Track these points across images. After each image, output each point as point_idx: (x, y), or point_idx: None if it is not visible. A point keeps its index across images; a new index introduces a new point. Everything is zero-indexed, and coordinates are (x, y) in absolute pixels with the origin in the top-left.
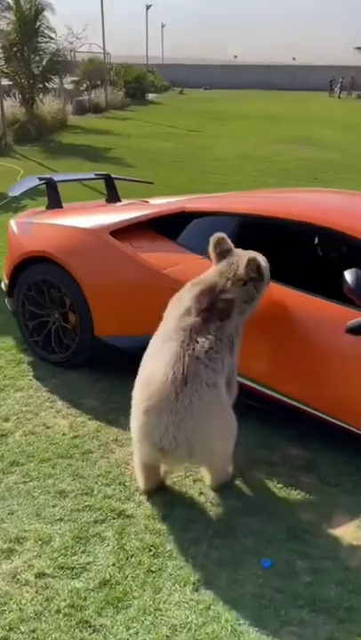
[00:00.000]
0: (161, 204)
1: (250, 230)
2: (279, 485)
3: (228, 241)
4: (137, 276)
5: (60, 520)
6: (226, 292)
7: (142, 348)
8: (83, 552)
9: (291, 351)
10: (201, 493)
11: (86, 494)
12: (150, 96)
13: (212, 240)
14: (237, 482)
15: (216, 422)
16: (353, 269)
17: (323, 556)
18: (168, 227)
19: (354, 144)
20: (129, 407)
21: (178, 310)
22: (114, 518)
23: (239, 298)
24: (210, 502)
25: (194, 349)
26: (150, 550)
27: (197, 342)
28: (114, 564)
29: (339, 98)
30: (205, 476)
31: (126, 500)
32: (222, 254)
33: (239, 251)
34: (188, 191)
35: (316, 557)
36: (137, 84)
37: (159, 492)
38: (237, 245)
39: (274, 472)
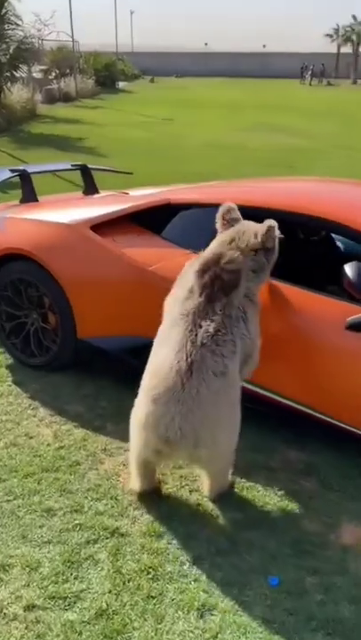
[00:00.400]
0: (143, 195)
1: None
2: (280, 492)
3: (237, 211)
4: (121, 274)
5: (49, 542)
6: (232, 263)
7: (128, 349)
8: (75, 578)
9: (287, 350)
10: (199, 505)
11: (76, 511)
12: (121, 84)
13: (222, 209)
14: (236, 489)
15: (224, 412)
16: (353, 263)
17: (332, 571)
18: (152, 220)
19: (327, 131)
20: (116, 413)
21: (182, 291)
22: (107, 537)
23: (247, 268)
24: (209, 515)
25: (197, 335)
26: (149, 573)
27: (201, 327)
28: (110, 591)
29: (310, 85)
30: (204, 483)
31: (120, 517)
32: (230, 224)
33: (247, 222)
34: (164, 181)
35: (326, 572)
36: (107, 73)
37: (155, 506)
38: None
39: (274, 477)
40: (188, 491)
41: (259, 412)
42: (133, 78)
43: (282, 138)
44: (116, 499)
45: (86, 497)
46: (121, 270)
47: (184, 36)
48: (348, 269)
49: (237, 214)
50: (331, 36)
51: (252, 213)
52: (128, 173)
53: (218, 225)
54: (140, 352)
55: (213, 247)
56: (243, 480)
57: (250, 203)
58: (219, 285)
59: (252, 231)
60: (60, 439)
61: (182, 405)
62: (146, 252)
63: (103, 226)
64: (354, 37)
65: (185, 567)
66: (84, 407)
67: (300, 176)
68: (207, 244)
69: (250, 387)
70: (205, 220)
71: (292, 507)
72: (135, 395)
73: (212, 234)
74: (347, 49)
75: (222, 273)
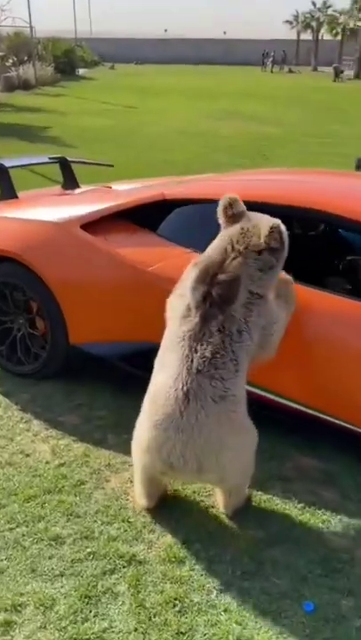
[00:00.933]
0: (133, 190)
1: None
2: (300, 505)
3: (241, 203)
4: (116, 275)
5: (61, 575)
6: (226, 273)
7: (124, 356)
8: (95, 616)
9: (299, 352)
10: (217, 524)
11: (86, 538)
12: (81, 71)
13: (223, 202)
14: (254, 502)
15: (227, 435)
16: None
17: None
18: (147, 217)
19: (295, 119)
20: (116, 423)
21: (179, 307)
22: (124, 566)
23: (249, 271)
24: (229, 535)
25: (192, 361)
26: (175, 605)
27: (197, 352)
28: (136, 629)
29: (271, 72)
30: (218, 499)
31: (134, 541)
32: (234, 219)
33: (253, 214)
34: (136, 171)
35: (360, 593)
36: (66, 59)
37: (171, 528)
38: None
39: (290, 489)
40: (204, 508)
41: (265, 417)
42: (93, 65)
43: (251, 125)
44: (129, 521)
45: (95, 520)
46: (116, 271)
47: (143, 23)
48: None
49: (241, 207)
50: (290, 22)
51: (257, 209)
52: (109, 166)
53: (220, 220)
54: (137, 358)
55: (209, 253)
56: (259, 493)
57: (254, 197)
58: (213, 302)
59: (256, 231)
60: (59, 456)
61: (182, 433)
62: (143, 251)
63: (93, 224)
64: (314, 24)
65: (212, 596)
66: (79, 418)
67: (274, 165)
68: (209, 242)
69: (259, 392)
70: (206, 217)
71: (314, 520)
72: (134, 403)
73: (215, 231)
74: (307, 35)
75: (216, 287)
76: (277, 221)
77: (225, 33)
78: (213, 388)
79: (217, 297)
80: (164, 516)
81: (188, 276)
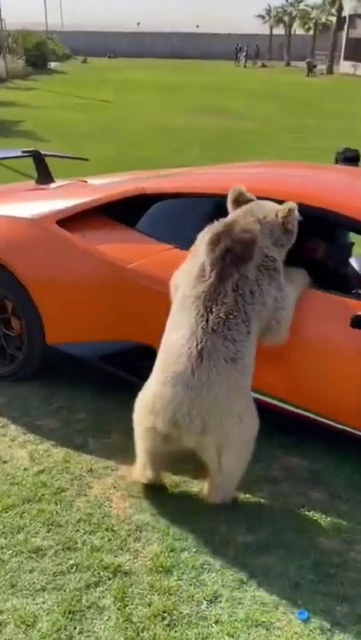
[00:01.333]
0: (110, 184)
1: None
2: (289, 507)
3: (249, 193)
4: (95, 273)
5: (43, 590)
6: (246, 232)
7: (104, 356)
8: (80, 633)
9: (287, 350)
10: (204, 530)
11: (68, 549)
12: (53, 65)
13: (233, 193)
14: (242, 506)
15: (234, 400)
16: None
17: (360, 595)
18: (125, 212)
19: (269, 113)
20: (96, 426)
21: (193, 268)
22: (109, 578)
23: (264, 238)
24: (218, 541)
25: (208, 321)
26: (163, 618)
27: (212, 312)
28: None
29: (245, 67)
30: (207, 486)
31: (119, 551)
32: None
33: (264, 201)
34: (112, 166)
35: (355, 598)
36: (38, 52)
37: (157, 535)
38: None
39: (279, 491)
40: (192, 514)
41: None
42: (65, 58)
43: (227, 120)
44: (113, 530)
45: (78, 530)
46: (94, 269)
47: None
48: (358, 264)
49: (250, 196)
50: (263, 17)
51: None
52: (84, 159)
53: (230, 210)
54: (117, 358)
55: (230, 215)
56: (247, 495)
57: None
58: (231, 259)
59: (272, 208)
60: (38, 462)
61: (191, 390)
62: (122, 247)
63: (70, 220)
64: (286, 19)
65: (202, 607)
66: (59, 422)
67: (249, 159)
68: (192, 238)
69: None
70: (187, 211)
71: (304, 523)
72: (115, 405)
73: (196, 226)
74: (279, 30)
75: (235, 244)
76: (295, 205)
77: (198, 27)
78: (226, 349)
79: (233, 254)
80: (149, 523)
81: (203, 238)
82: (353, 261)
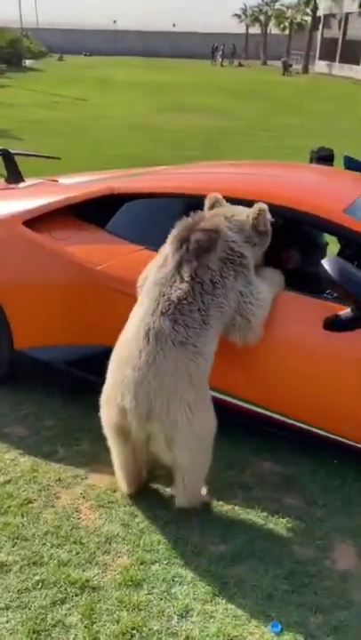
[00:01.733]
0: (79, 184)
1: None
2: (262, 514)
3: (225, 202)
4: (63, 275)
5: (7, 608)
6: (209, 222)
7: (74, 360)
8: None
9: (258, 352)
10: (177, 540)
11: (34, 564)
12: (28, 62)
13: (209, 200)
14: (214, 514)
15: (183, 387)
16: (332, 258)
17: (336, 606)
18: (94, 212)
19: (244, 111)
20: (66, 434)
21: (159, 259)
22: (76, 595)
23: (232, 229)
24: (190, 552)
25: (158, 304)
26: (132, 636)
27: (164, 296)
28: None
29: (221, 66)
30: (176, 483)
31: (87, 565)
32: None
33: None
34: (87, 165)
35: (329, 609)
36: (12, 49)
37: (127, 547)
38: None
39: (252, 497)
40: (163, 523)
41: (222, 421)
42: (41, 56)
43: (203, 119)
44: (81, 542)
45: (45, 544)
46: (62, 271)
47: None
48: (328, 266)
49: (226, 204)
50: (239, 16)
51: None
52: (55, 158)
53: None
54: (88, 363)
55: (194, 213)
56: (220, 503)
57: (207, 191)
58: (192, 247)
59: (243, 210)
60: (4, 472)
61: (137, 372)
62: (91, 248)
63: (38, 220)
64: (262, 18)
65: (173, 622)
66: (27, 429)
67: (226, 158)
68: (163, 239)
69: (219, 396)
70: (158, 212)
71: (279, 530)
72: (86, 411)
73: (167, 226)
74: (255, 29)
75: (196, 234)
76: (264, 205)
77: (174, 25)
78: (175, 333)
79: (194, 242)
80: (119, 534)
81: (171, 234)
82: (325, 263)
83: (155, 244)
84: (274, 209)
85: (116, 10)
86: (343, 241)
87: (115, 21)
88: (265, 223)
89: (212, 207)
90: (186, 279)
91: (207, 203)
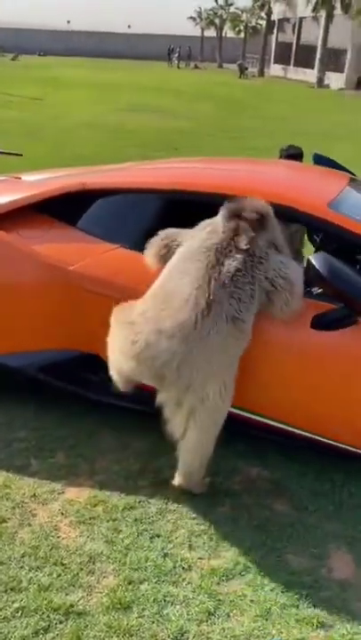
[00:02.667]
0: (45, 179)
1: (178, 209)
2: (253, 523)
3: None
4: (33, 276)
5: None
6: (259, 210)
7: (46, 367)
8: None
9: (248, 354)
10: (165, 556)
11: (12, 590)
12: None
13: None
14: (203, 526)
15: (225, 364)
16: (319, 254)
17: (336, 619)
18: (65, 209)
19: (205, 113)
20: (40, 446)
21: (200, 234)
22: (61, 622)
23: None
24: (180, 567)
25: (220, 273)
26: None
27: (223, 265)
28: None
29: (178, 68)
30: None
31: (71, 588)
32: None
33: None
34: (47, 165)
35: (330, 622)
36: None
37: (112, 564)
38: (162, 228)
39: (241, 505)
40: (149, 537)
41: None
42: None
43: (161, 119)
44: (62, 563)
45: (22, 567)
46: (33, 271)
47: (46, 14)
48: (316, 262)
49: None
50: (194, 19)
51: (186, 198)
52: (17, 155)
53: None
54: (61, 369)
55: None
56: (208, 512)
57: (182, 186)
58: (246, 221)
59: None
60: None
61: (187, 344)
62: (63, 247)
63: (4, 219)
64: (217, 21)
65: None
66: None
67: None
68: (138, 236)
69: None
70: (134, 208)
71: (271, 540)
72: (60, 421)
73: (143, 222)
74: (211, 32)
75: (251, 210)
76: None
77: (129, 27)
78: (230, 307)
79: (250, 216)
80: (103, 552)
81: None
82: (313, 259)
83: (131, 241)
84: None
85: (70, 10)
86: (323, 236)
87: (68, 22)
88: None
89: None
90: (243, 248)
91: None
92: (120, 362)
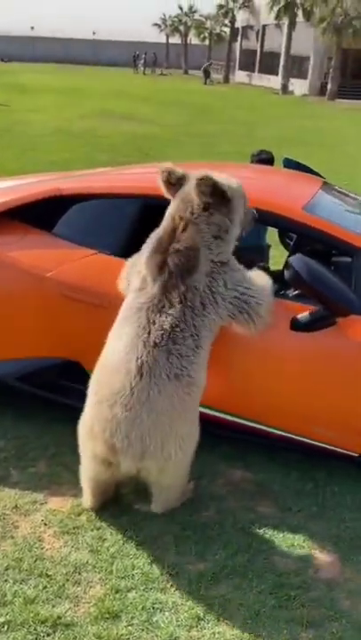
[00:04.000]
0: (18, 185)
1: (154, 213)
2: (238, 526)
3: (179, 170)
4: (10, 284)
5: None
6: (182, 240)
7: (23, 375)
8: None
9: (223, 356)
10: (152, 562)
11: None
12: None
13: (162, 175)
14: (189, 530)
15: (178, 422)
16: (298, 256)
17: (325, 617)
18: (39, 215)
19: (170, 119)
20: (19, 455)
21: (135, 280)
22: (48, 635)
23: (205, 238)
24: (168, 574)
25: (150, 333)
26: None
27: (155, 324)
28: None
29: (144, 74)
30: (154, 495)
31: (57, 600)
32: (178, 187)
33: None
34: (15, 171)
35: (320, 622)
36: None
37: (99, 573)
38: (141, 234)
39: (226, 508)
40: (135, 545)
41: None
42: None
43: (131, 125)
44: (47, 575)
45: (6, 580)
46: (9, 278)
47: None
48: (296, 263)
49: (179, 172)
50: (159, 25)
51: (162, 203)
52: None
53: (166, 194)
54: (39, 377)
55: (165, 222)
56: (192, 517)
57: (158, 190)
58: (174, 272)
59: (192, 192)
60: None
61: (129, 411)
62: (39, 254)
63: None
64: (181, 28)
65: None
66: None
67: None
68: (116, 241)
69: None
70: (109, 213)
71: (257, 542)
72: (40, 431)
73: (121, 227)
74: (176, 39)
75: (174, 257)
76: (203, 173)
77: (94, 33)
78: (170, 365)
79: (175, 267)
80: (89, 561)
81: (144, 250)
82: (292, 261)
83: (108, 246)
84: None
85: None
86: (298, 239)
87: (32, 28)
88: (207, 192)
89: (167, 180)
90: (176, 304)
91: (161, 178)
92: (83, 447)
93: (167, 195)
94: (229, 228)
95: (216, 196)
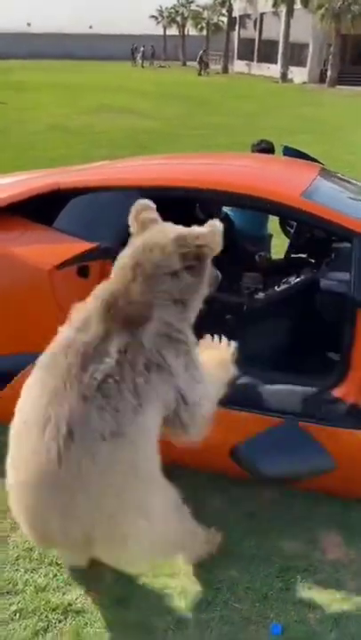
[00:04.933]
0: (16, 181)
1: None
2: (245, 513)
3: (154, 211)
4: (13, 279)
5: None
6: (139, 295)
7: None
8: None
9: None
10: None
11: (9, 593)
12: None
13: (135, 208)
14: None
15: (130, 492)
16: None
17: (333, 598)
18: (39, 210)
19: (168, 112)
20: None
21: (76, 319)
22: (60, 621)
23: (162, 297)
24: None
25: (81, 382)
26: None
27: (87, 371)
28: None
29: (142, 67)
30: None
31: (68, 587)
32: (146, 227)
33: (161, 227)
34: (18, 169)
35: (327, 602)
36: None
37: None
38: None
39: (231, 497)
40: None
41: None
42: None
43: (129, 120)
44: (57, 563)
45: (17, 569)
46: (13, 275)
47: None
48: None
49: (154, 214)
50: (156, 17)
51: (162, 194)
52: None
53: (132, 228)
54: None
55: (119, 269)
56: (199, 506)
57: (166, 182)
58: (122, 319)
59: (161, 245)
60: None
61: (60, 491)
62: (42, 248)
63: None
64: (178, 19)
65: (168, 637)
66: None
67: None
68: (116, 234)
69: None
70: (110, 206)
71: (261, 526)
72: None
73: (121, 220)
74: (173, 31)
75: (127, 306)
76: (182, 229)
77: (91, 27)
78: (105, 421)
79: (127, 315)
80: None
81: (95, 294)
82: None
83: (110, 238)
84: (233, 197)
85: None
86: (297, 226)
87: (29, 24)
88: (193, 247)
89: (136, 218)
90: (113, 354)
91: (133, 211)
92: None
93: (132, 227)
94: (194, 289)
95: (197, 260)
